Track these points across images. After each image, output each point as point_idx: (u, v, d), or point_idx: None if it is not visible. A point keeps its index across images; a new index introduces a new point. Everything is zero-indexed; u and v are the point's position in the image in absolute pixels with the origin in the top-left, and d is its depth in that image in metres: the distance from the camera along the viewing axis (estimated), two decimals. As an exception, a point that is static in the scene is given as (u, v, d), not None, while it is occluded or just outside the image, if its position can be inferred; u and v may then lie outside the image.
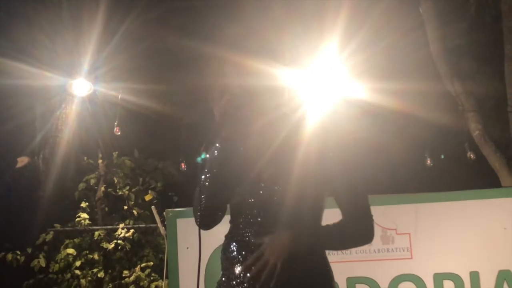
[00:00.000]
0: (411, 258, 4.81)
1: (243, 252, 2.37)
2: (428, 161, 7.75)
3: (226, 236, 2.47)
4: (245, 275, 2.33)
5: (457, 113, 6.30)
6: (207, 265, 4.69)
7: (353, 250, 4.87)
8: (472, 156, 7.38)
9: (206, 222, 2.42)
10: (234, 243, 2.40)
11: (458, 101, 6.18)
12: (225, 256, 2.44)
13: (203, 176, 2.37)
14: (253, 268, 2.30)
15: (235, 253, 2.38)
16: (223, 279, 2.42)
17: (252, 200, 2.35)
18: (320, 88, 6.55)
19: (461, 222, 4.80)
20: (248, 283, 2.32)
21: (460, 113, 6.22)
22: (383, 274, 4.81)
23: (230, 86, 2.36)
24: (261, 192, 2.33)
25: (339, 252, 4.86)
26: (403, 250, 4.83)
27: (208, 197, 2.36)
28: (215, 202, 2.39)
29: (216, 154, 2.35)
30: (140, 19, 6.76)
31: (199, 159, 2.36)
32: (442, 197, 4.97)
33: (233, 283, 2.37)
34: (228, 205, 2.47)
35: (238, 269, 2.36)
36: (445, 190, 5.19)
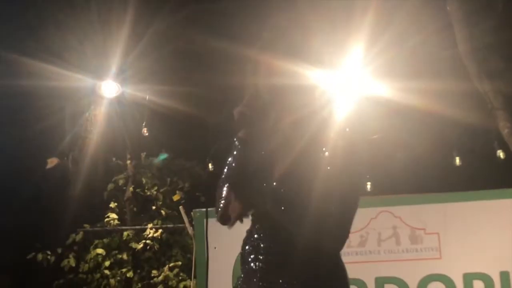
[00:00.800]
0: (440, 258, 4.79)
1: (258, 252, 2.36)
2: (457, 160, 7.69)
3: (247, 232, 2.48)
4: (258, 274, 2.34)
5: (485, 112, 6.24)
6: (234, 265, 4.72)
7: (381, 250, 4.87)
8: (501, 154, 7.30)
9: (226, 217, 2.43)
10: (250, 243, 2.40)
11: (486, 99, 6.12)
12: (242, 254, 2.44)
13: (223, 177, 2.39)
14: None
15: (251, 252, 2.38)
16: (242, 275, 2.43)
17: (274, 200, 2.34)
18: (347, 87, 6.54)
19: (490, 221, 4.76)
20: (264, 281, 2.33)
21: (489, 111, 6.16)
22: (412, 274, 4.79)
23: (249, 87, 2.36)
24: (285, 191, 2.32)
25: (367, 252, 4.86)
26: (432, 250, 4.80)
27: (227, 197, 2.37)
28: (234, 201, 2.39)
29: (235, 154, 2.36)
30: (167, 20, 6.80)
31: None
32: (471, 196, 4.94)
33: (247, 278, 2.37)
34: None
35: (251, 265, 2.37)
36: (474, 189, 5.16)
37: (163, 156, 8.47)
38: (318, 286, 2.31)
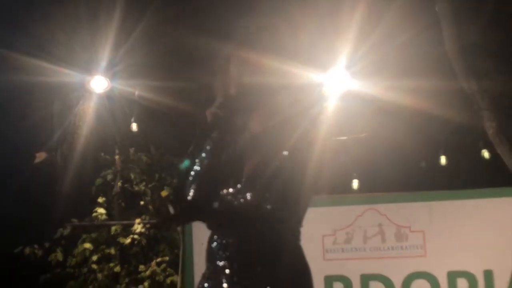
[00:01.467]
0: (425, 255, 4.83)
1: (225, 247, 2.34)
2: (443, 159, 7.74)
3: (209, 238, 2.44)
4: (224, 268, 2.34)
5: (472, 111, 6.29)
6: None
7: (367, 247, 4.91)
8: (486, 154, 7.37)
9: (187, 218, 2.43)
10: (216, 237, 2.38)
11: (473, 99, 6.17)
12: (207, 248, 2.40)
13: (192, 173, 2.36)
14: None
15: (217, 246, 2.35)
16: (208, 272, 2.39)
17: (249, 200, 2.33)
18: (335, 86, 6.56)
19: (475, 220, 4.81)
20: (228, 277, 2.32)
21: (475, 111, 6.21)
22: (397, 272, 4.84)
23: (227, 87, 2.36)
24: (267, 195, 2.31)
25: (353, 249, 4.90)
26: (417, 248, 4.85)
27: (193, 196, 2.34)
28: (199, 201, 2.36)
29: (205, 155, 2.35)
30: (157, 16, 6.79)
31: (182, 166, 2.36)
32: (456, 195, 4.99)
33: (214, 275, 2.35)
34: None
35: (217, 263, 2.35)
36: (459, 188, 5.21)
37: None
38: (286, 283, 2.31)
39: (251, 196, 2.28)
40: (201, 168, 2.34)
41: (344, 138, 7.02)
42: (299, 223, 2.37)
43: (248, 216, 2.31)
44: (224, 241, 2.34)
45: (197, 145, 2.34)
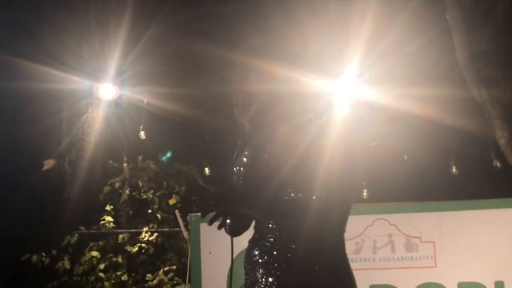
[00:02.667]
0: (435, 266, 4.78)
1: (265, 257, 2.38)
2: (454, 169, 7.69)
3: (250, 241, 2.49)
4: (267, 279, 2.34)
5: (483, 120, 6.24)
6: (229, 270, 4.71)
7: (377, 257, 4.86)
8: (498, 164, 7.31)
9: (236, 229, 2.45)
10: (256, 248, 2.42)
11: (484, 108, 6.12)
12: (247, 260, 2.46)
13: (231, 185, 2.40)
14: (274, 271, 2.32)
15: (257, 257, 2.40)
16: (247, 282, 2.45)
17: (276, 207, 2.36)
18: (345, 94, 6.54)
19: (486, 231, 4.76)
20: (270, 283, 2.34)
21: (486, 120, 6.16)
22: (407, 282, 4.79)
23: (256, 94, 2.37)
24: (285, 199, 2.33)
25: (362, 259, 4.86)
26: (427, 259, 4.80)
27: (235, 205, 2.36)
28: (242, 210, 2.40)
29: (245, 162, 2.38)
30: (165, 24, 6.79)
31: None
32: (467, 205, 4.93)
33: (256, 283, 2.38)
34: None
35: (259, 273, 2.37)
36: (470, 198, 5.16)
37: (167, 155, 8.45)
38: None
39: (287, 198, 2.31)
40: (244, 173, 2.39)
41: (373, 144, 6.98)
42: (333, 230, 2.40)
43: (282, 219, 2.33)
44: (261, 250, 2.36)
45: (239, 153, 2.38)
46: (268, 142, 2.42)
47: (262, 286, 2.36)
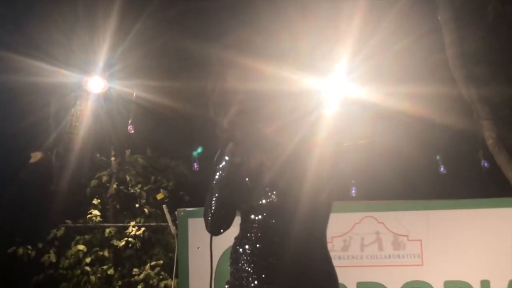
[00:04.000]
0: (422, 264, 4.80)
1: (250, 255, 2.38)
2: (442, 167, 7.73)
3: (236, 238, 2.49)
4: (252, 276, 2.34)
5: (471, 119, 6.27)
6: (217, 266, 4.70)
7: (364, 255, 4.87)
8: (485, 164, 7.35)
9: (216, 227, 2.44)
10: (242, 246, 2.42)
11: (473, 108, 6.15)
12: (233, 258, 2.46)
13: (214, 182, 2.39)
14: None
15: (243, 255, 2.40)
16: (231, 279, 2.46)
17: (264, 204, 2.36)
18: (334, 92, 6.54)
19: (473, 230, 4.78)
20: (256, 285, 2.34)
21: (475, 120, 6.19)
22: (393, 280, 4.81)
23: (238, 93, 2.36)
24: (274, 196, 2.34)
25: (350, 256, 4.87)
26: (414, 257, 4.81)
27: (218, 204, 2.37)
28: (224, 208, 2.40)
29: (226, 161, 2.36)
30: (154, 17, 6.76)
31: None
32: (454, 204, 4.96)
33: (241, 283, 2.38)
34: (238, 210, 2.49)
35: (245, 271, 2.37)
36: (457, 198, 5.19)
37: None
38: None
39: (277, 199, 2.31)
40: (222, 175, 2.36)
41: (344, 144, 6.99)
42: (319, 227, 2.42)
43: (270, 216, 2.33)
44: (247, 247, 2.36)
45: (221, 154, 2.37)
46: (256, 140, 2.40)
47: (245, 283, 2.36)
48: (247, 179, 2.41)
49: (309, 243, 2.37)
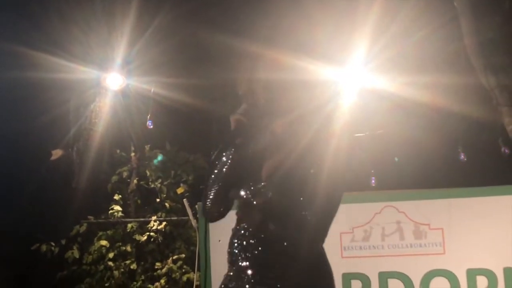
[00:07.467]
0: (444, 253, 4.79)
1: (246, 247, 2.39)
2: (462, 156, 7.68)
3: (232, 230, 2.50)
4: (246, 269, 2.35)
5: (491, 107, 6.22)
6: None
7: (385, 244, 4.87)
8: (506, 151, 7.29)
9: (212, 216, 2.47)
10: (237, 239, 2.43)
11: (492, 95, 6.09)
12: (229, 249, 2.47)
13: (212, 176, 2.40)
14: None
15: (238, 248, 2.41)
16: (230, 273, 2.46)
17: (271, 198, 2.35)
18: (352, 82, 6.52)
19: (494, 217, 4.77)
20: (250, 277, 2.35)
21: (494, 107, 6.14)
22: (416, 269, 4.80)
23: (253, 87, 2.36)
24: (285, 191, 2.33)
25: (371, 246, 4.87)
26: (436, 245, 4.81)
27: (215, 194, 2.39)
28: (220, 199, 2.42)
29: (227, 159, 2.36)
30: (172, 13, 6.77)
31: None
32: (475, 192, 4.94)
33: (237, 276, 2.39)
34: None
35: (240, 264, 2.37)
36: (478, 185, 5.15)
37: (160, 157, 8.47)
38: (306, 283, 2.32)
39: (272, 194, 2.29)
40: (221, 173, 2.35)
41: (361, 135, 6.97)
42: (321, 223, 2.38)
43: (268, 214, 2.32)
44: (244, 242, 2.35)
45: (220, 151, 2.37)
46: (263, 135, 2.41)
47: (243, 275, 2.36)
48: (253, 172, 2.41)
49: (315, 237, 2.37)
